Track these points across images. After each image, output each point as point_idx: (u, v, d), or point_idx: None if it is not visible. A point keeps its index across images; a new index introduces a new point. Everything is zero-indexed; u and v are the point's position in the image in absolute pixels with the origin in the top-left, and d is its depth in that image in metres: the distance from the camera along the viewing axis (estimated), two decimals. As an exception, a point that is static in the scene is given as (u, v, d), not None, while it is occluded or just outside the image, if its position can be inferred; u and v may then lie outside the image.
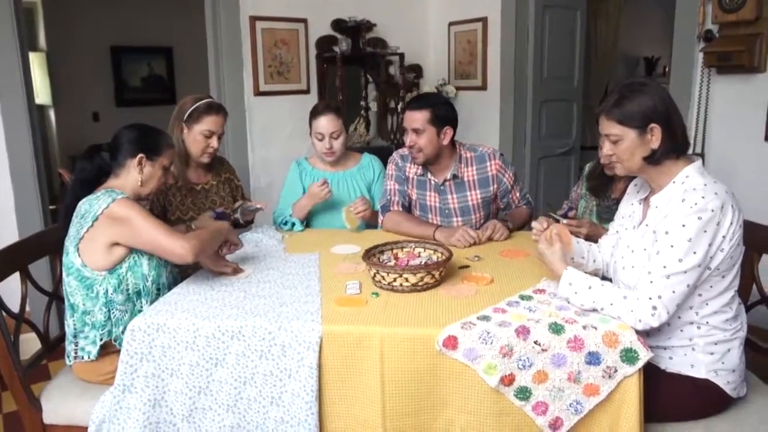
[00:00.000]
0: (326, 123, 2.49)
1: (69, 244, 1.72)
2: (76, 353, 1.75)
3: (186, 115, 2.26)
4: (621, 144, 1.52)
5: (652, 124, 1.48)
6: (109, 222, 1.66)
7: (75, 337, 1.75)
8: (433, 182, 2.40)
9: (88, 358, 1.73)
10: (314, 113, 2.53)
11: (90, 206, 1.68)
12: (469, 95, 4.07)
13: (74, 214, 1.73)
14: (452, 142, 2.35)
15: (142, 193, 1.84)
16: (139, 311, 1.72)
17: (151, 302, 1.73)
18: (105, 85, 6.24)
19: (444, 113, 2.27)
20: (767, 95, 2.60)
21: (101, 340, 1.73)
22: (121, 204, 1.67)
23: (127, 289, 1.73)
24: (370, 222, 2.48)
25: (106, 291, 1.70)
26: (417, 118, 2.25)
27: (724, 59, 2.63)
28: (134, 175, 1.80)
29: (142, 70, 6.47)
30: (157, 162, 1.83)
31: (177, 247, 1.65)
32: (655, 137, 1.49)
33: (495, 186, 2.39)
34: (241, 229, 2.50)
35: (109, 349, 1.74)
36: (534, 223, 1.87)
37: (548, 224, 1.79)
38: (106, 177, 1.81)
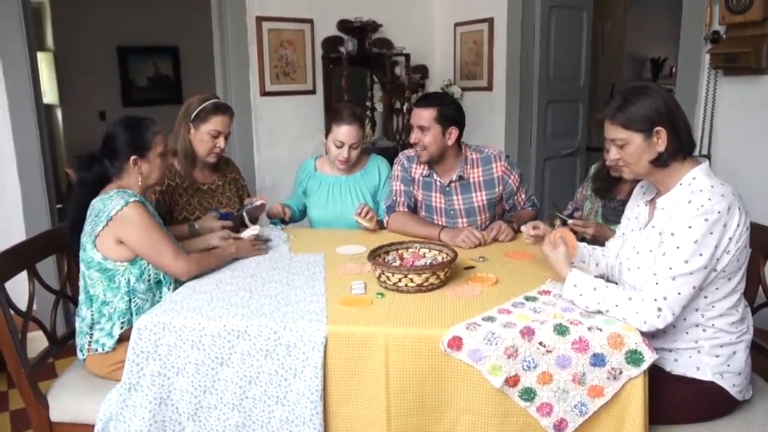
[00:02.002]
0: (348, 133, 2.43)
1: (86, 241, 1.77)
2: (90, 345, 1.77)
3: (193, 115, 2.26)
4: (627, 148, 1.52)
5: (657, 127, 1.47)
6: (120, 223, 1.72)
7: (91, 328, 1.78)
8: (438, 183, 2.40)
9: (103, 350, 1.76)
10: (338, 118, 2.44)
11: (104, 205, 1.74)
12: (475, 96, 4.07)
13: (88, 212, 1.78)
14: (458, 144, 2.35)
15: (149, 184, 1.89)
16: (159, 301, 1.78)
17: (174, 290, 1.80)
18: (112, 85, 6.28)
19: (451, 113, 2.27)
20: (774, 97, 2.59)
21: (121, 328, 1.76)
22: (132, 208, 1.73)
23: (149, 279, 1.79)
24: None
25: (128, 281, 1.76)
26: (423, 116, 2.26)
27: (731, 60, 2.62)
28: (135, 174, 1.85)
29: (149, 70, 6.50)
30: (151, 154, 1.86)
31: (174, 266, 1.79)
32: (660, 140, 1.48)
33: (500, 188, 2.38)
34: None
35: (123, 338, 1.76)
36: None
37: (543, 228, 1.81)
38: (107, 181, 1.84)
